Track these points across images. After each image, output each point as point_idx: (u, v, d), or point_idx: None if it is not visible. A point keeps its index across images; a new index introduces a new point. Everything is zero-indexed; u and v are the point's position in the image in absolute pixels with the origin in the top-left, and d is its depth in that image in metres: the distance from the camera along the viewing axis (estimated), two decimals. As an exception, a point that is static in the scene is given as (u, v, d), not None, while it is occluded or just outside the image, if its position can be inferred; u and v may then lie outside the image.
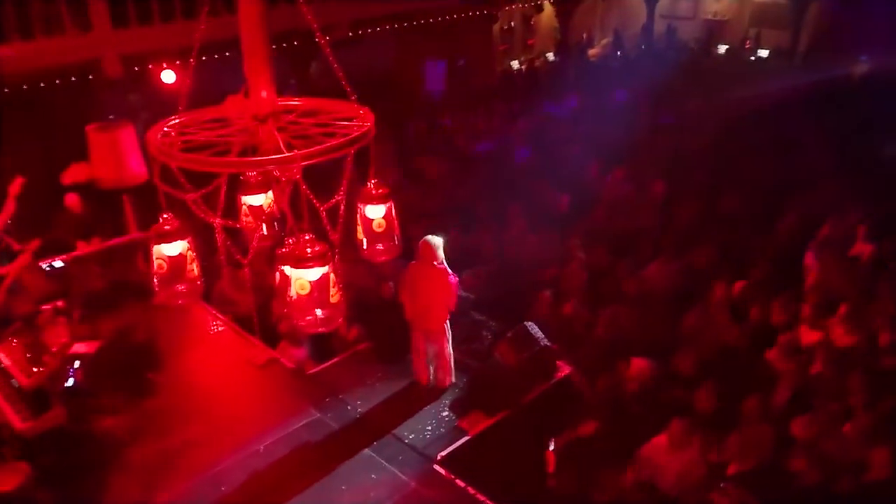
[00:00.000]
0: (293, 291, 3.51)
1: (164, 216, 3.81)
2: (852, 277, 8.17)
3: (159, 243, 3.82)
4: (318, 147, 3.41)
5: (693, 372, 6.96)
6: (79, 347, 6.36)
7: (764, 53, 21.84)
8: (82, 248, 8.65)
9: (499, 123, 15.70)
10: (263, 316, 7.23)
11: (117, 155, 8.47)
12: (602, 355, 7.31)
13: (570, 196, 11.08)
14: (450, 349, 6.54)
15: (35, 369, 5.78)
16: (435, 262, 6.25)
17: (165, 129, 3.70)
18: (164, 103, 11.11)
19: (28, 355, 5.92)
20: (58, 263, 7.89)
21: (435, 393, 6.58)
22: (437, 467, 5.61)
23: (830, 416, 6.10)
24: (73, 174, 8.61)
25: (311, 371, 6.94)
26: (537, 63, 22.34)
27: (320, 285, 3.48)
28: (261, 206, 4.64)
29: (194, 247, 3.93)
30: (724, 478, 5.75)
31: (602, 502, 5.81)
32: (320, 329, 3.66)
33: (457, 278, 6.40)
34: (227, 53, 9.67)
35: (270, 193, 4.55)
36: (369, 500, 5.26)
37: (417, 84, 17.87)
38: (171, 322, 7.16)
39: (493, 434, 6.15)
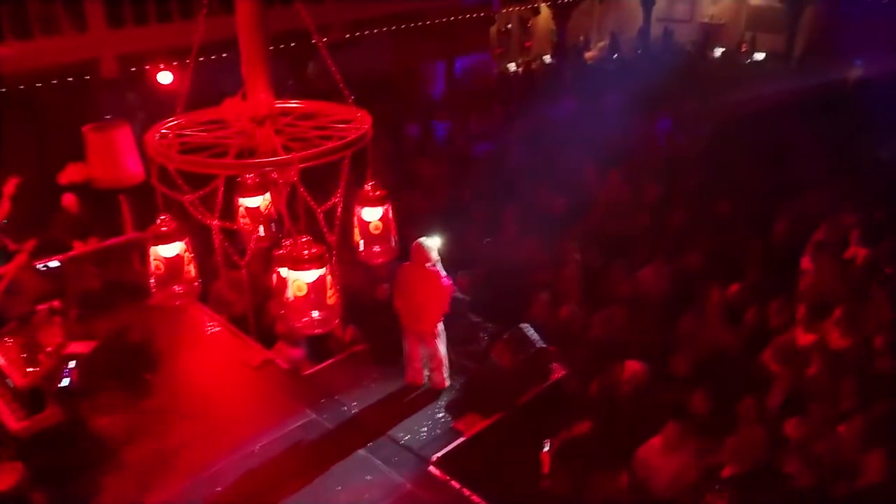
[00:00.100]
0: (290, 293, 3.52)
1: (162, 217, 3.81)
2: (846, 281, 8.21)
3: (157, 244, 3.83)
4: (316, 150, 3.43)
5: (688, 374, 6.99)
6: (74, 347, 6.35)
7: (760, 57, 21.91)
8: (78, 248, 8.63)
9: (495, 125, 15.71)
10: (260, 317, 7.24)
11: (114, 155, 8.47)
12: (597, 357, 7.33)
13: (566, 198, 11.11)
14: (443, 351, 6.55)
15: (30, 369, 5.76)
16: (428, 265, 6.25)
17: (164, 130, 3.71)
18: (160, 103, 11.14)
19: (23, 355, 5.90)
20: (53, 263, 7.88)
21: (430, 394, 6.59)
22: (432, 468, 5.61)
23: (825, 418, 6.12)
24: (70, 174, 8.62)
25: (306, 372, 6.95)
26: (534, 65, 22.36)
27: (317, 287, 3.49)
28: (258, 207, 4.65)
29: (192, 248, 3.94)
30: (719, 481, 5.76)
31: (596, 504, 5.83)
32: (317, 330, 3.67)
33: (450, 281, 6.41)
34: (224, 54, 9.66)
35: (268, 195, 4.57)
36: (364, 501, 5.26)
37: (414, 86, 17.88)
38: (167, 322, 7.16)
39: (489, 435, 6.16)
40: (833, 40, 19.46)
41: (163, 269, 3.86)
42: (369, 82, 16.24)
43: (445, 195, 11.77)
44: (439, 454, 5.82)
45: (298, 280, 3.48)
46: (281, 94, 3.83)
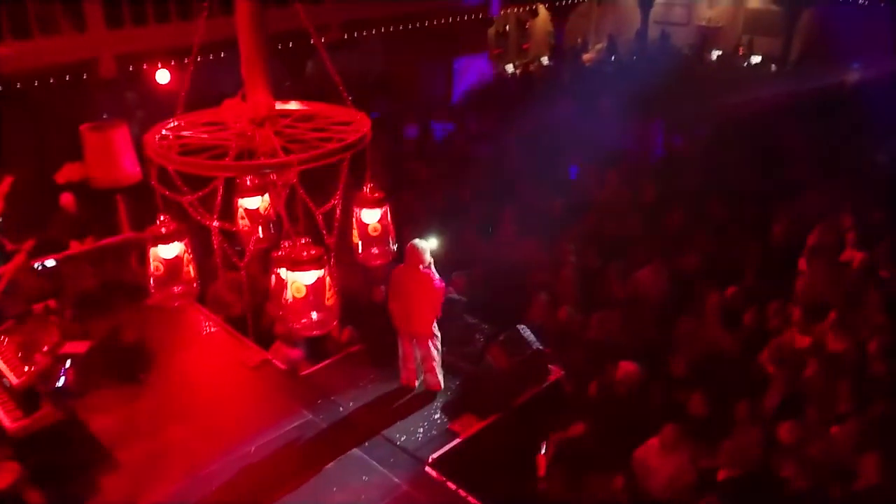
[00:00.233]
0: (289, 294, 3.53)
1: (162, 218, 3.82)
2: (842, 284, 8.24)
3: (156, 245, 3.83)
4: (316, 151, 3.43)
5: (686, 376, 7.00)
6: (70, 347, 6.34)
7: (756, 60, 21.96)
8: (75, 248, 8.62)
9: (493, 127, 15.72)
10: (257, 318, 7.24)
11: (111, 155, 8.48)
12: (592, 359, 7.35)
13: (564, 199, 11.13)
14: (437, 353, 6.54)
15: (26, 368, 5.76)
16: (421, 266, 6.26)
17: (164, 131, 3.72)
18: (158, 103, 11.13)
19: (19, 354, 5.89)
20: (50, 263, 7.87)
21: (427, 395, 6.59)
22: (428, 469, 5.63)
23: (820, 421, 6.15)
24: (68, 173, 8.61)
25: (303, 373, 6.95)
26: (532, 67, 22.38)
27: (316, 288, 3.50)
28: (257, 209, 4.66)
29: (191, 249, 3.94)
30: (715, 483, 5.78)
31: (592, 505, 5.84)
32: (315, 332, 3.68)
33: (443, 283, 6.41)
34: (223, 54, 9.68)
35: (267, 197, 4.57)
36: (360, 501, 5.28)
37: (411, 87, 17.89)
38: (164, 323, 7.16)
39: (485, 437, 6.16)
40: (830, 43, 19.47)
41: (162, 270, 3.87)
42: (366, 83, 16.29)
43: (443, 196, 11.77)
44: (435, 455, 5.82)
45: (297, 281, 3.49)
46: (278, 94, 3.84)
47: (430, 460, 5.75)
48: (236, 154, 3.63)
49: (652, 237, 9.99)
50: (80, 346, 6.43)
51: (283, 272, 3.62)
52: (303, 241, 3.47)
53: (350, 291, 7.39)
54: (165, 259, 3.84)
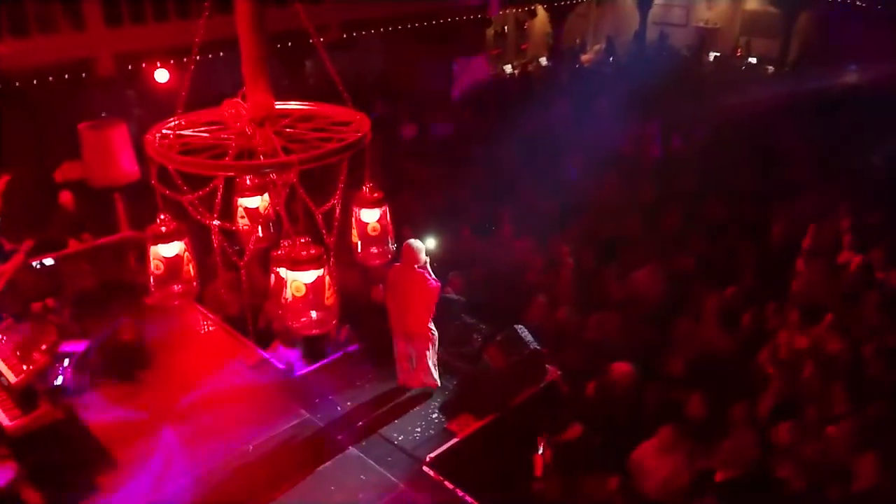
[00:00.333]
0: (288, 293, 3.53)
1: (162, 217, 3.82)
2: (839, 285, 8.25)
3: (156, 244, 3.84)
4: (316, 152, 3.44)
5: (683, 376, 7.01)
6: (68, 345, 6.35)
7: (754, 61, 22.00)
8: (74, 247, 8.62)
9: (492, 127, 15.73)
10: (256, 317, 7.24)
11: (109, 153, 8.49)
12: (590, 359, 7.35)
13: (562, 200, 11.14)
14: (432, 353, 6.53)
15: (24, 367, 5.76)
16: (416, 266, 6.27)
17: (165, 130, 3.72)
18: (156, 102, 11.14)
19: (18, 353, 5.89)
20: (48, 261, 7.87)
21: (424, 395, 6.60)
22: (425, 469, 5.63)
23: (817, 422, 6.16)
24: (66, 172, 8.61)
25: (301, 372, 6.95)
26: (530, 68, 22.40)
27: (315, 288, 3.51)
28: (257, 208, 4.67)
29: (191, 248, 3.95)
30: (712, 484, 5.79)
31: (589, 505, 5.85)
32: (314, 331, 3.69)
33: (438, 282, 6.41)
34: (222, 53, 9.68)
35: (266, 196, 4.58)
36: (358, 500, 5.28)
37: (410, 87, 17.90)
38: (162, 321, 7.16)
39: (482, 437, 6.16)
40: (827, 45, 19.56)
41: (162, 269, 3.87)
42: (364, 84, 16.29)
43: (441, 196, 11.78)
44: (433, 455, 5.82)
45: (297, 281, 3.50)
46: (277, 94, 3.85)
47: (427, 460, 5.75)
48: (236, 154, 3.63)
49: (650, 238, 10.00)
50: (78, 345, 6.44)
51: (282, 271, 3.63)
52: (302, 241, 3.48)
53: (348, 291, 7.41)
54: (165, 258, 3.85)
